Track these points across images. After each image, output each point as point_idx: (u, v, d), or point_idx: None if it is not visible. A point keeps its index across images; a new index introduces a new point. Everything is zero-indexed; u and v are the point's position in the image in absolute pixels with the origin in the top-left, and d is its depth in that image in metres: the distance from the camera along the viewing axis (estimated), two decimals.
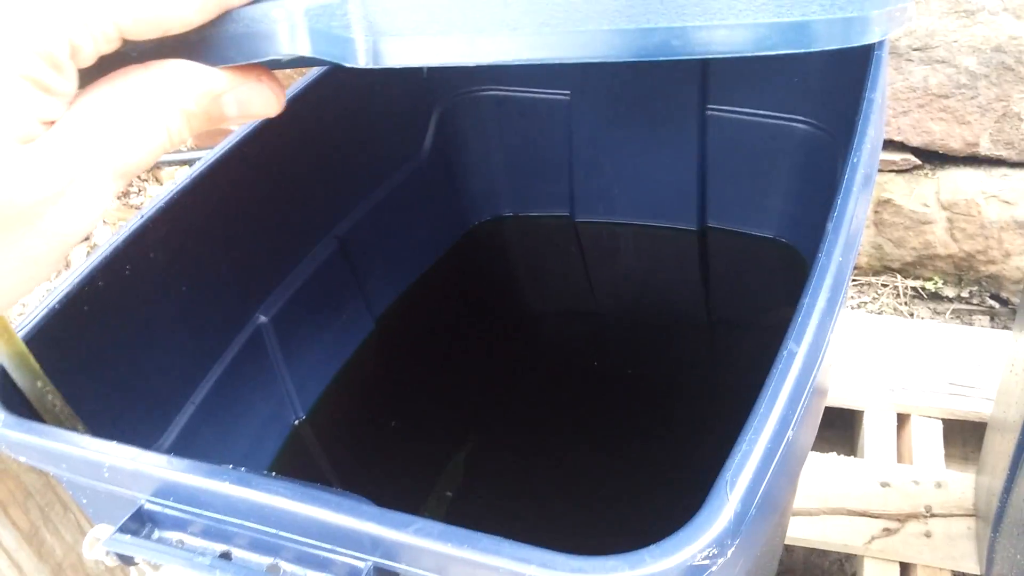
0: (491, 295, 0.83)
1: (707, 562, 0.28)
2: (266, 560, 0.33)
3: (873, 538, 0.78)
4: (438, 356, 0.75)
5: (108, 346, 0.49)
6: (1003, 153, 1.06)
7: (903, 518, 0.79)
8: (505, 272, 0.86)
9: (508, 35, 0.27)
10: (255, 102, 0.30)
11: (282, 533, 0.33)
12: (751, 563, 0.33)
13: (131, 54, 0.28)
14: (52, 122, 0.26)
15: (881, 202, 1.14)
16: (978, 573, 0.75)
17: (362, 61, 0.28)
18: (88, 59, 0.26)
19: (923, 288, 1.19)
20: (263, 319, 0.62)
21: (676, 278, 0.82)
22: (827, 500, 0.81)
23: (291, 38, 0.28)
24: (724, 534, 0.28)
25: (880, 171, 1.10)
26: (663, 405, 0.71)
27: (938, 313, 1.17)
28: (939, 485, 0.82)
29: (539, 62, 0.27)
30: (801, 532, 0.79)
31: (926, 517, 0.79)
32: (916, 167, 1.11)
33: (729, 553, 0.29)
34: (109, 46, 0.26)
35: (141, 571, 0.37)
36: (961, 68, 1.01)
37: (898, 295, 1.19)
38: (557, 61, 0.27)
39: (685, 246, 0.81)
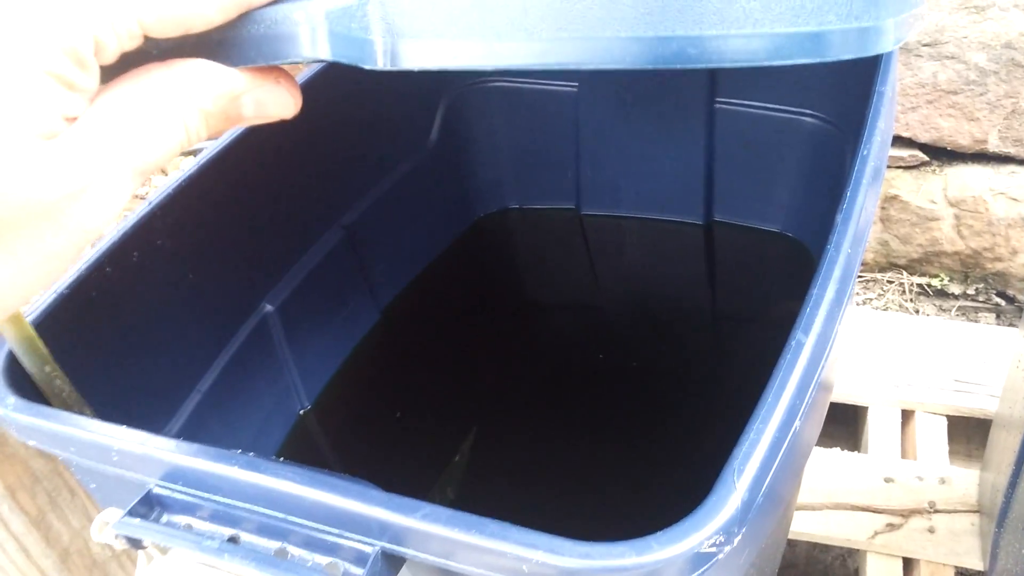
0: (496, 287, 0.83)
1: (714, 549, 0.28)
2: (274, 544, 0.34)
3: (876, 533, 0.78)
4: (443, 347, 0.75)
5: (115, 332, 0.49)
6: (1011, 150, 1.05)
7: (906, 513, 0.79)
8: (510, 264, 0.85)
9: (525, 40, 0.26)
10: (272, 103, 0.30)
11: (290, 518, 0.33)
12: (756, 554, 0.33)
13: (152, 52, 0.28)
14: (74, 118, 0.26)
15: (888, 198, 1.13)
16: (981, 569, 0.75)
17: (380, 63, 0.28)
18: (111, 56, 0.26)
19: (929, 285, 1.19)
20: (269, 308, 0.62)
21: (681, 272, 0.82)
22: (830, 495, 0.81)
23: (312, 41, 0.28)
24: (731, 521, 0.28)
25: (887, 167, 1.09)
26: (667, 398, 0.71)
27: (944, 310, 1.17)
28: (943, 481, 0.82)
29: (555, 68, 0.27)
30: (804, 526, 0.79)
31: (930, 513, 0.79)
32: (924, 163, 1.10)
33: (736, 541, 0.29)
34: (132, 43, 0.27)
35: (148, 555, 0.37)
36: (971, 64, 1.01)
37: (904, 292, 1.19)
38: (573, 67, 0.27)
39: (691, 240, 0.81)
